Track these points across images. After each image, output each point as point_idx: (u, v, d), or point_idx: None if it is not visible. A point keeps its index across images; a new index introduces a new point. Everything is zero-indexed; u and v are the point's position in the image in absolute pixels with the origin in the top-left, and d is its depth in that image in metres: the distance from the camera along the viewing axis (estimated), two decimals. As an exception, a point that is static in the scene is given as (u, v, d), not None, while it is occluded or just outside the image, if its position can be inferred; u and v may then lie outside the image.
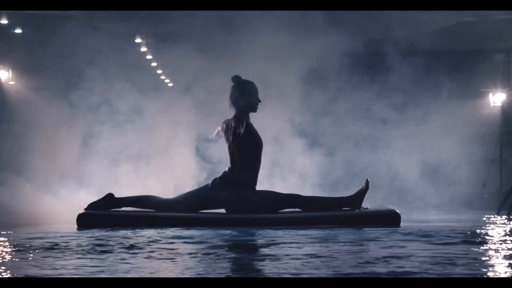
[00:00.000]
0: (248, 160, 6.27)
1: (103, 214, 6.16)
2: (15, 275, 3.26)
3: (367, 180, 6.39)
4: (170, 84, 11.18)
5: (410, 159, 11.00)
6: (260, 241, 4.86)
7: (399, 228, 6.03)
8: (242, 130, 6.16)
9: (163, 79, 12.02)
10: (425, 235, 5.27)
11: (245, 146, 6.25)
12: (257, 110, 6.39)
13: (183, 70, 8.68)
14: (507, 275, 3.17)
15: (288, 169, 8.95)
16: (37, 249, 4.31)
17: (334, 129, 9.98)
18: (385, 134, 10.65)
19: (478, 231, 5.86)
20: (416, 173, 11.43)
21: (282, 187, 7.77)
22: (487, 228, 6.31)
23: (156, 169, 8.35)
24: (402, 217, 6.40)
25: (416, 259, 3.75)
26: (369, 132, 10.70)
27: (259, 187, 6.43)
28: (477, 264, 3.53)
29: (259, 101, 6.38)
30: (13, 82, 11.80)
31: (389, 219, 6.24)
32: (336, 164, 10.02)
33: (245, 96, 6.32)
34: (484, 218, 8.35)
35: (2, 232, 5.65)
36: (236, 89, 6.35)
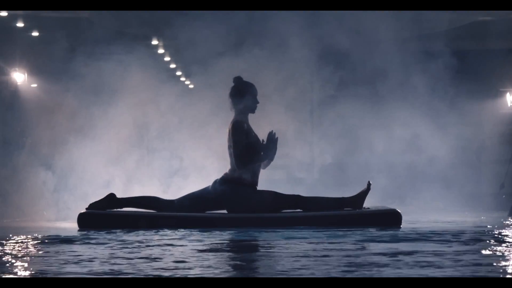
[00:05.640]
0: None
1: (104, 214, 6.22)
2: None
3: (369, 181, 6.38)
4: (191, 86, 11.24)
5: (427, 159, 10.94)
6: (261, 241, 4.89)
7: (400, 228, 6.01)
8: (240, 137, 6.23)
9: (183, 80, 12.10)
10: (425, 237, 5.23)
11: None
12: (256, 111, 6.44)
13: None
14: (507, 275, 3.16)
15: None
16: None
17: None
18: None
19: (484, 231, 5.81)
20: (433, 173, 11.35)
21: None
22: (494, 228, 6.23)
23: None
24: (411, 217, 6.36)
25: (416, 258, 3.73)
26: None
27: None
28: (478, 264, 3.51)
29: (258, 102, 6.42)
30: (35, 85, 11.92)
31: (390, 218, 6.21)
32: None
33: (243, 98, 6.36)
34: (494, 219, 8.27)
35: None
36: (235, 89, 6.40)
